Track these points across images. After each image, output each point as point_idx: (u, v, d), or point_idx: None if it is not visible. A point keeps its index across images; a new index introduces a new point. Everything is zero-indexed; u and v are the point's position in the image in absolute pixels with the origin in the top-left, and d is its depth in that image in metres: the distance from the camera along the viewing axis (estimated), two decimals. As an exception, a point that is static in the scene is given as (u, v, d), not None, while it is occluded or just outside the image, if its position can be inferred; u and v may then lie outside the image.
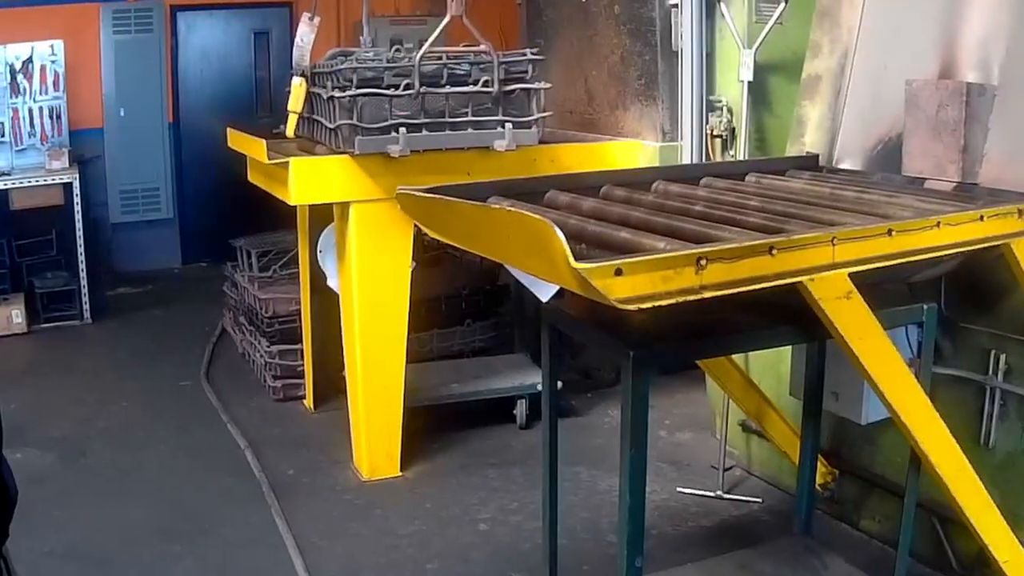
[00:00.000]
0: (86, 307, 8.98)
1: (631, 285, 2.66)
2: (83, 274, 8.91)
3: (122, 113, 10.55)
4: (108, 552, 4.96)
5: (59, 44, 9.30)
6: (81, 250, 8.88)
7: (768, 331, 3.56)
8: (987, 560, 3.92)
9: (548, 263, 2.70)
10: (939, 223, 3.31)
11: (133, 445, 6.28)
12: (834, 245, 3.07)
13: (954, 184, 3.92)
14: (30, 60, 9.20)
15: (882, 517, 4.85)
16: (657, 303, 2.72)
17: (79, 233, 8.85)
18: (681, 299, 2.77)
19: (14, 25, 9.43)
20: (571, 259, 2.57)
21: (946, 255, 3.47)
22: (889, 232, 3.19)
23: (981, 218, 3.44)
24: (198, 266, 11.01)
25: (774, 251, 2.92)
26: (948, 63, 4.13)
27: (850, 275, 3.16)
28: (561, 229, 2.60)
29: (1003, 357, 4.15)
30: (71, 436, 6.41)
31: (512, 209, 2.91)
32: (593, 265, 2.60)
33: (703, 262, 2.78)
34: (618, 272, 2.63)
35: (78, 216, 8.84)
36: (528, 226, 2.76)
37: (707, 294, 2.81)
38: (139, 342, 8.53)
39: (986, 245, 3.51)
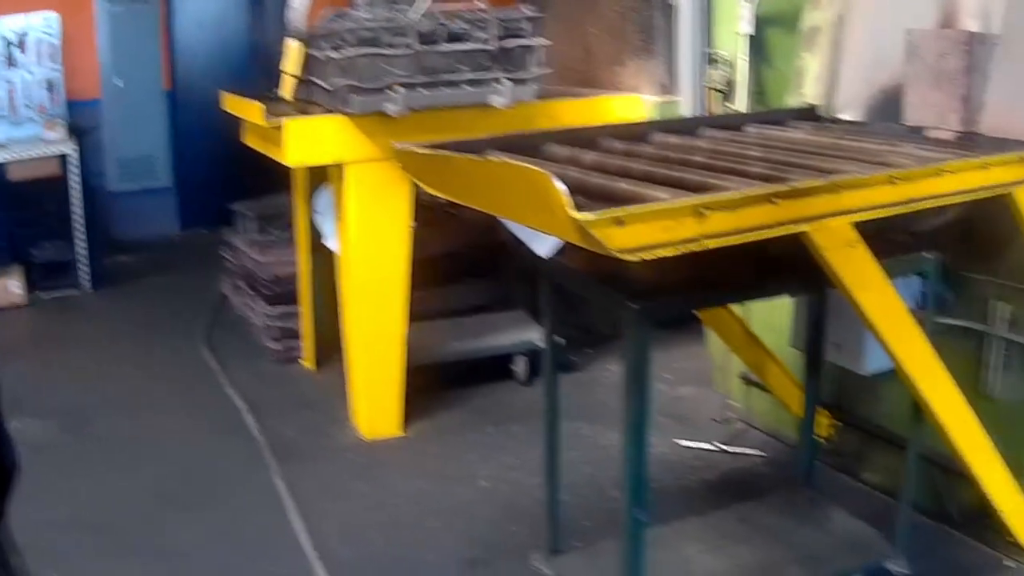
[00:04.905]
0: (85, 277, 8.92)
1: (632, 235, 2.64)
2: (82, 244, 8.86)
3: (119, 83, 10.48)
4: (110, 520, 4.96)
5: (54, 16, 9.20)
6: (80, 220, 8.83)
7: (769, 282, 3.54)
8: (989, 511, 3.94)
9: (548, 215, 2.68)
10: (941, 171, 3.29)
11: (134, 412, 6.26)
12: (837, 193, 3.05)
13: (956, 133, 3.90)
14: (25, 33, 9.13)
15: (884, 468, 4.85)
16: (658, 253, 2.70)
17: (77, 203, 8.80)
18: (683, 249, 2.75)
19: (8, -1, 9.36)
20: (571, 210, 2.55)
21: (949, 203, 3.45)
22: (892, 180, 3.17)
23: (984, 166, 3.42)
24: (197, 232, 10.90)
25: (776, 200, 2.90)
26: (949, 12, 4.09)
27: (852, 224, 3.14)
28: (561, 181, 2.58)
29: (1007, 307, 4.14)
30: (72, 405, 6.38)
31: (511, 161, 2.89)
32: (594, 215, 2.58)
33: (704, 211, 2.75)
34: (619, 222, 2.61)
35: (75, 187, 8.79)
36: (527, 178, 2.74)
37: (709, 244, 2.79)
38: (139, 310, 8.50)
39: (989, 194, 3.49)
